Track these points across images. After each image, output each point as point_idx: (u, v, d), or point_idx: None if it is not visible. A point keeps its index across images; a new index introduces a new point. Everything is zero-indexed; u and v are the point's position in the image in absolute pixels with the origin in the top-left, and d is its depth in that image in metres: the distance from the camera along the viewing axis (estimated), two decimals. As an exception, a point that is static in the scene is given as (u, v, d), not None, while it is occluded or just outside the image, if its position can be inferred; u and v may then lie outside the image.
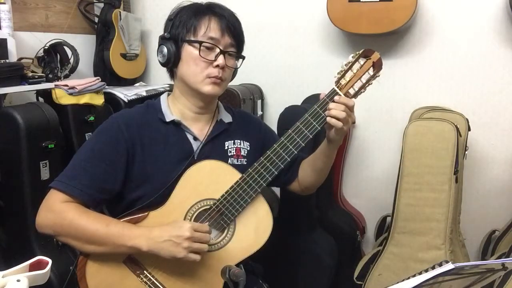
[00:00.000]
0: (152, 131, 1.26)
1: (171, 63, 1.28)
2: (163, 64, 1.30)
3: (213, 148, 1.31)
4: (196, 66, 1.24)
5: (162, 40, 1.28)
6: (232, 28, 1.26)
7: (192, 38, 1.25)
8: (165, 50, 1.26)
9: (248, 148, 1.38)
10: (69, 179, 1.18)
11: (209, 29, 1.24)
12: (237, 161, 1.34)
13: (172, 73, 1.34)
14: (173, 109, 1.31)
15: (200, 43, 1.23)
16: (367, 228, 2.38)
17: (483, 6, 2.08)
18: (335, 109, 1.18)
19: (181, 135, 1.29)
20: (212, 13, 1.26)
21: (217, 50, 1.24)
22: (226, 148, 1.34)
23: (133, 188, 1.24)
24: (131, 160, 1.23)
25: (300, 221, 2.05)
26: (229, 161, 1.32)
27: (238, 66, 1.33)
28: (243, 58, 1.34)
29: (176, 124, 1.29)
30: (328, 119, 1.19)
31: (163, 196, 1.21)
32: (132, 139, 1.23)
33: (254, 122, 1.47)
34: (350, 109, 1.20)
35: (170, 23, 1.28)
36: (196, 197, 1.21)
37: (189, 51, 1.25)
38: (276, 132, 2.02)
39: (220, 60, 1.24)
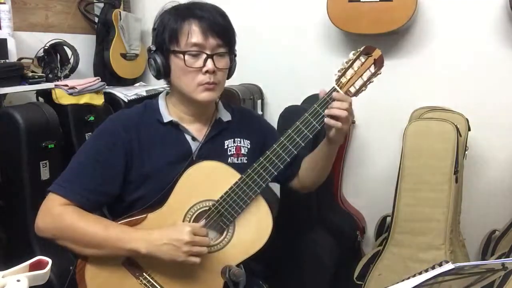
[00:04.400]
0: (150, 132, 1.25)
1: (163, 76, 1.25)
2: (155, 77, 1.26)
3: (212, 148, 1.30)
4: (186, 76, 1.21)
5: (150, 53, 1.24)
6: (216, 27, 1.20)
7: (176, 48, 1.20)
8: (153, 63, 1.23)
9: (249, 146, 1.36)
10: (67, 182, 1.18)
11: (190, 35, 1.18)
12: (237, 160, 1.33)
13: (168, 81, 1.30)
14: (171, 109, 1.30)
15: (184, 53, 1.19)
16: (367, 228, 2.37)
17: (483, 6, 2.07)
18: (336, 108, 1.17)
19: (180, 136, 1.28)
20: (192, 16, 1.19)
21: (204, 56, 1.20)
22: (225, 147, 1.32)
23: (132, 190, 1.23)
24: (129, 162, 1.22)
25: (300, 221, 2.05)
26: (229, 160, 1.31)
27: (231, 65, 1.28)
28: (235, 55, 1.29)
29: (174, 124, 1.28)
30: (326, 120, 1.18)
31: (162, 197, 1.20)
32: (130, 141, 1.22)
33: (254, 119, 1.45)
34: (350, 106, 1.19)
35: (155, 33, 1.24)
36: (195, 198, 1.21)
37: (176, 62, 1.22)
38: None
39: (209, 65, 1.19)
